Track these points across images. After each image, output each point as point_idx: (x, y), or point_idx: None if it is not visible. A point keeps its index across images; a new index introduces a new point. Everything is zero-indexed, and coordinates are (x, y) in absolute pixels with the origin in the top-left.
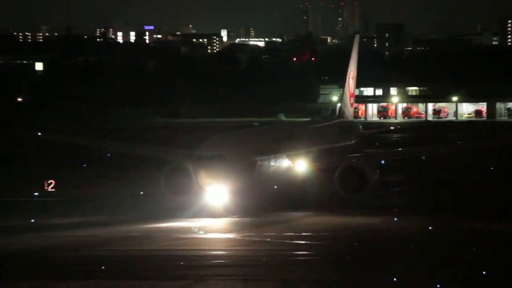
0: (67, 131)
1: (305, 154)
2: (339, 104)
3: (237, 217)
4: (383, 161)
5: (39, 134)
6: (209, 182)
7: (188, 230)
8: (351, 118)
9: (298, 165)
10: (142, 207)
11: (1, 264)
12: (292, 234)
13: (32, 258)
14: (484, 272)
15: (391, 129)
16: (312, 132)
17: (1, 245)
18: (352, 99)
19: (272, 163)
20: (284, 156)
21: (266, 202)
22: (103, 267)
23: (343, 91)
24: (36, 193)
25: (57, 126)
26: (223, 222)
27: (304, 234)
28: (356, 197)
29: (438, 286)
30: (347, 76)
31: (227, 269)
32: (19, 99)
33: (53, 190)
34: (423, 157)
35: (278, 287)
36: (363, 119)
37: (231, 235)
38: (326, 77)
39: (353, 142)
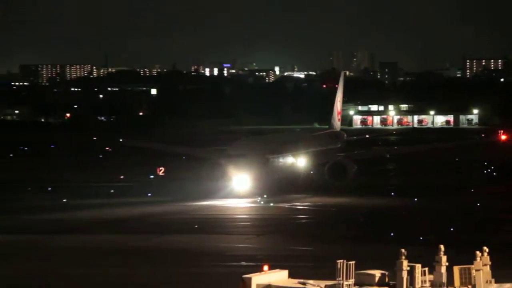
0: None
1: (305, 154)
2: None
3: (262, 198)
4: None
5: (120, 140)
6: (235, 173)
7: (249, 201)
8: (338, 129)
9: (299, 161)
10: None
11: (126, 223)
12: (322, 203)
13: (146, 220)
14: (451, 229)
15: (367, 137)
16: (312, 138)
17: (125, 211)
18: (339, 115)
19: (281, 160)
20: (290, 155)
21: (279, 187)
22: (196, 226)
23: (333, 109)
24: (152, 176)
25: (155, 133)
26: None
27: (329, 204)
28: (340, 183)
29: (421, 238)
30: (336, 100)
31: (277, 227)
32: (140, 113)
33: (163, 174)
34: (388, 155)
35: (312, 241)
36: (370, 126)
37: (281, 205)
38: (345, 98)
39: (339, 145)
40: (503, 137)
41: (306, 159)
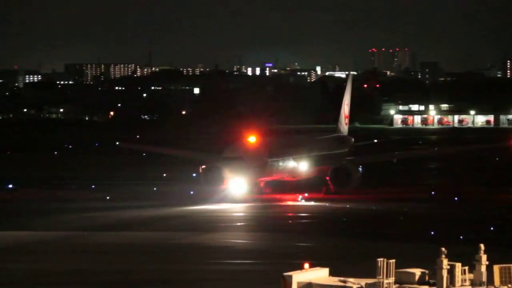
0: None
1: (308, 158)
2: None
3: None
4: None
5: (117, 143)
6: (232, 176)
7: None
8: (345, 133)
9: (301, 165)
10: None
11: (163, 221)
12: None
13: (181, 218)
14: (491, 228)
15: (375, 141)
16: (317, 142)
17: (163, 211)
18: (346, 119)
19: (281, 163)
20: (291, 158)
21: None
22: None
23: (340, 113)
24: (195, 175)
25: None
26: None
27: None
28: (343, 189)
29: (461, 237)
30: (343, 103)
31: (319, 225)
32: (183, 112)
33: None
34: (395, 160)
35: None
36: (411, 125)
37: (312, 203)
38: (386, 98)
39: (346, 150)
40: None
41: (309, 162)
